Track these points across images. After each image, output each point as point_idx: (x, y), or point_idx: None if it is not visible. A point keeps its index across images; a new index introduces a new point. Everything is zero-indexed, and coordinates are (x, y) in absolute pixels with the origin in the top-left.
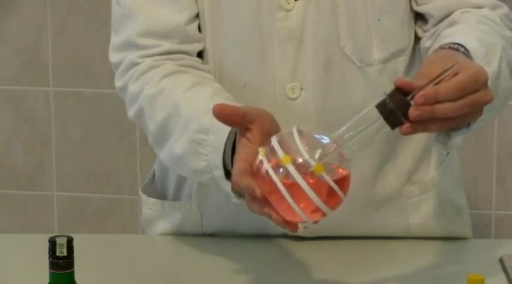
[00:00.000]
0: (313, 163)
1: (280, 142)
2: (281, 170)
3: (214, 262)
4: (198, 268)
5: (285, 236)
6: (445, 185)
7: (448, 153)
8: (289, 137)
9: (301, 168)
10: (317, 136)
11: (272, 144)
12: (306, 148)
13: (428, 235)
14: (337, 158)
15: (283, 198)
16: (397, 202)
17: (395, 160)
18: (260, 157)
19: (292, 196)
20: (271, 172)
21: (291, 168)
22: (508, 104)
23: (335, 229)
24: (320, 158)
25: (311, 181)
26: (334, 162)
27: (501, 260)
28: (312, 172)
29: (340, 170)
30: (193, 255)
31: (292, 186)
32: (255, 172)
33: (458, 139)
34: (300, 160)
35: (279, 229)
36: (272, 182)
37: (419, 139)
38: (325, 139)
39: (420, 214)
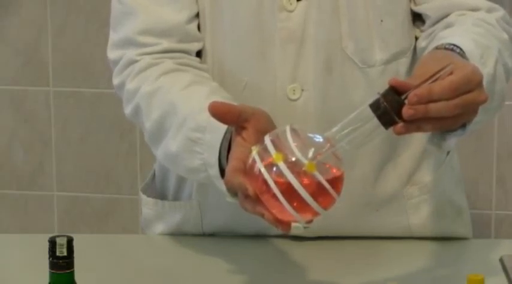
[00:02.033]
0: (305, 161)
1: (273, 141)
2: (273, 169)
3: (214, 262)
4: (198, 268)
5: (285, 236)
6: (445, 186)
7: (447, 154)
8: (282, 136)
9: (293, 167)
10: (310, 135)
11: (265, 142)
12: (298, 146)
13: (429, 235)
14: (330, 157)
15: (275, 196)
16: (398, 203)
17: (395, 161)
18: (253, 155)
19: (284, 195)
20: (263, 170)
21: (283, 167)
22: (507, 104)
23: (335, 229)
24: (313, 157)
25: (303, 179)
26: (328, 161)
27: (501, 260)
28: (304, 171)
29: (334, 169)
30: (193, 255)
31: (284, 185)
32: (248, 170)
33: (452, 141)
34: (293, 158)
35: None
36: (264, 180)
37: (420, 140)
38: (319, 138)
39: (420, 214)
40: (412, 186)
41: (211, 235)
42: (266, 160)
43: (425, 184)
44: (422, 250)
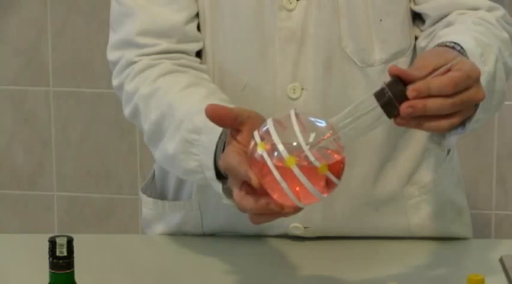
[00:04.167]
0: (306, 147)
1: (275, 125)
2: (275, 153)
3: (214, 262)
4: (198, 268)
5: (285, 236)
6: (445, 186)
7: (448, 154)
8: (286, 120)
9: (295, 152)
10: (312, 119)
11: (267, 126)
12: (301, 131)
13: (429, 235)
14: (332, 144)
15: (275, 180)
16: (397, 203)
17: (395, 161)
18: (254, 139)
19: (284, 179)
20: (265, 155)
21: (283, 151)
22: (507, 104)
23: (335, 229)
24: (315, 142)
25: (304, 166)
26: (329, 147)
27: (501, 260)
28: (306, 157)
29: (335, 155)
30: (193, 255)
31: (284, 170)
32: (249, 155)
33: (452, 139)
34: (294, 143)
35: (279, 229)
36: (265, 165)
37: (420, 139)
38: (321, 123)
39: (420, 214)
40: (412, 185)
41: (212, 235)
42: (268, 145)
43: (425, 184)
44: (422, 250)
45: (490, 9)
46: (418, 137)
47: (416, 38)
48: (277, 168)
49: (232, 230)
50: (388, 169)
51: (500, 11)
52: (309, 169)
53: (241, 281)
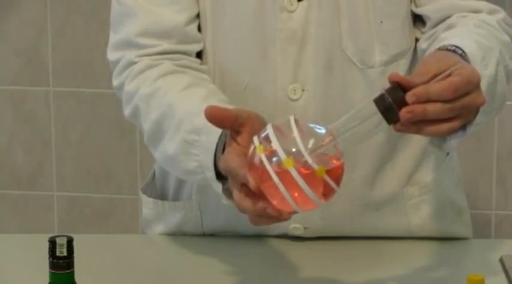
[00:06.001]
0: (306, 153)
1: (275, 131)
2: (274, 159)
3: (214, 262)
4: (198, 268)
5: (285, 236)
6: (445, 186)
7: (447, 154)
8: (286, 126)
9: (294, 157)
10: (312, 125)
11: (267, 132)
12: (301, 137)
13: (429, 235)
14: (331, 149)
15: (275, 186)
16: (397, 203)
17: (395, 161)
18: (254, 144)
19: (284, 185)
20: (264, 160)
21: (284, 157)
22: (507, 104)
23: (335, 229)
24: (314, 148)
25: (303, 171)
26: (328, 153)
27: (501, 260)
28: (304, 161)
29: (334, 161)
30: (193, 255)
31: (283, 174)
32: (248, 160)
33: (453, 142)
34: (293, 149)
35: (279, 229)
36: (265, 170)
37: (419, 140)
38: (321, 130)
39: (420, 215)
40: (412, 186)
41: (212, 235)
42: (268, 151)
43: (425, 184)
44: (422, 250)
45: (491, 12)
46: (418, 137)
47: (416, 40)
48: (277, 173)
49: (232, 230)
50: (387, 169)
51: (501, 14)
52: (308, 174)
53: (241, 281)
